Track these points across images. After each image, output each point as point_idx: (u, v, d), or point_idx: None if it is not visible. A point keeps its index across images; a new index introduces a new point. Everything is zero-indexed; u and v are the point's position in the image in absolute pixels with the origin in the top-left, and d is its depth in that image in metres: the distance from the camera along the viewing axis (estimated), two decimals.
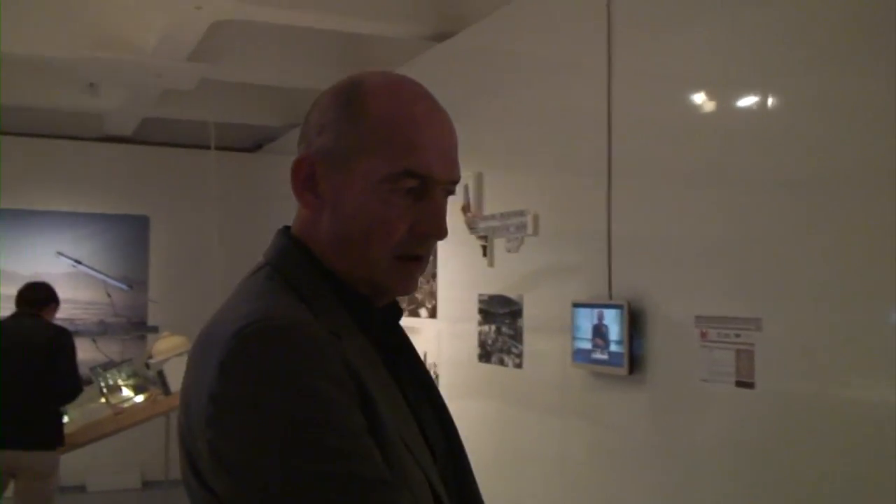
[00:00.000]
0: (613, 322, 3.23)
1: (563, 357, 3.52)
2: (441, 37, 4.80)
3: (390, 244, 1.13)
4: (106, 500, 7.46)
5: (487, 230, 4.18)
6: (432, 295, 4.72)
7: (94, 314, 7.60)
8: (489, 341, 4.13)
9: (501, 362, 4.02)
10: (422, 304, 4.83)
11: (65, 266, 7.50)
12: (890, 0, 2.32)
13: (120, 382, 5.90)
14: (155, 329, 7.34)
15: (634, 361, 3.16)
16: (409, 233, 1.14)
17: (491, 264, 4.16)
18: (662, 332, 3.09)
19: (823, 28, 2.54)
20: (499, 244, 4.11)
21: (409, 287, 1.20)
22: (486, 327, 4.16)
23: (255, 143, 8.22)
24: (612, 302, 3.27)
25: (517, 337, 3.91)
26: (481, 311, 4.20)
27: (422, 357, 4.29)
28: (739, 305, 2.76)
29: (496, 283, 4.11)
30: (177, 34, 5.04)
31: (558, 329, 3.56)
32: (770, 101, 2.70)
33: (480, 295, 4.21)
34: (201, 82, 5.99)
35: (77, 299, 7.45)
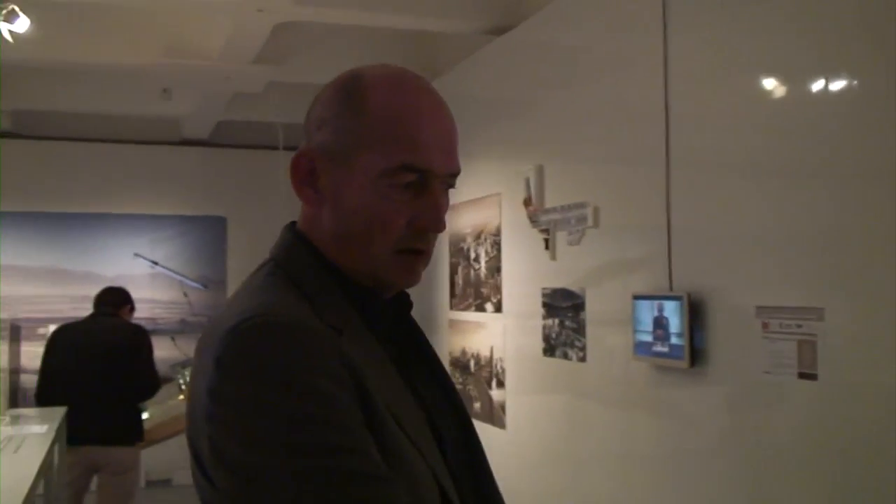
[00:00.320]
0: (673, 314, 3.18)
1: (626, 350, 3.48)
2: (500, 30, 4.78)
3: (390, 239, 1.13)
4: (191, 494, 7.63)
5: (549, 223, 4.16)
6: (497, 289, 4.72)
7: (174, 313, 7.82)
8: (553, 335, 4.11)
9: (565, 356, 4.00)
10: (487, 299, 4.83)
11: (144, 267, 7.73)
12: None
13: None
14: None
15: (695, 354, 3.11)
16: (409, 227, 1.13)
17: (553, 257, 4.14)
18: (723, 324, 3.03)
19: (889, 11, 2.45)
20: (560, 237, 4.09)
21: (412, 280, 1.19)
22: (549, 321, 4.14)
23: None
24: (671, 294, 3.22)
25: (580, 330, 3.89)
26: (545, 304, 4.18)
27: (487, 352, 4.30)
28: (801, 295, 2.69)
29: (559, 277, 4.09)
30: (241, 37, 5.14)
31: (620, 322, 3.52)
32: (832, 88, 2.62)
33: (544, 289, 4.19)
34: (269, 84, 6.10)
35: (157, 299, 7.68)
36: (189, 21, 5.64)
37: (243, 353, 1.01)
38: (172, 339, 7.42)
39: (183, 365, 6.11)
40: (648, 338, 3.33)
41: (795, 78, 2.75)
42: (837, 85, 2.60)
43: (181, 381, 5.92)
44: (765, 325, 2.82)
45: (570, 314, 3.96)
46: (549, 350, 4.14)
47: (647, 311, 3.33)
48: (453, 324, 5.31)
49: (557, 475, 4.11)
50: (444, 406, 1.25)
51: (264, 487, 0.97)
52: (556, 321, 4.08)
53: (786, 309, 2.73)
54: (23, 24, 4.69)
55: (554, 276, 4.12)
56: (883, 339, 2.42)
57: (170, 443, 5.60)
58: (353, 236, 1.14)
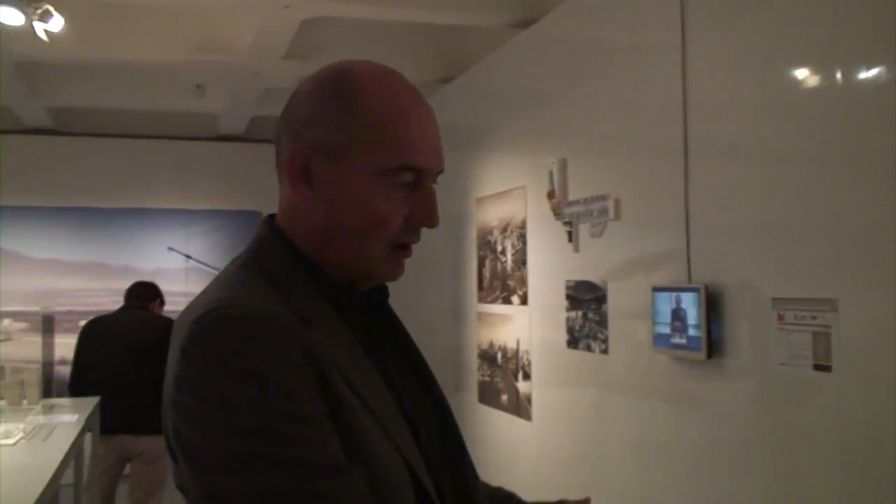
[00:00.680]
0: (691, 306, 3.17)
1: (646, 342, 3.48)
2: (524, 23, 4.79)
3: (388, 235, 1.16)
4: None
5: (572, 216, 4.16)
6: (523, 282, 4.73)
7: None
8: (576, 327, 4.11)
9: (588, 348, 4.01)
10: (514, 292, 4.84)
11: (180, 261, 7.86)
12: None
13: None
14: None
15: (712, 345, 3.10)
16: (405, 223, 1.17)
17: (576, 250, 4.14)
18: (740, 316, 3.02)
19: None
20: (583, 230, 4.09)
21: (399, 273, 1.22)
22: (573, 313, 4.15)
23: None
24: (689, 286, 3.22)
25: (602, 322, 3.89)
26: (568, 297, 4.19)
27: (514, 344, 4.31)
28: (815, 286, 2.67)
29: (582, 269, 4.09)
30: (269, 34, 5.20)
31: (640, 314, 3.52)
32: (848, 79, 2.60)
33: (567, 281, 4.19)
34: (298, 80, 6.13)
35: (192, 292, 7.74)
36: (219, 18, 5.72)
37: (206, 343, 1.04)
38: None
39: None
40: (667, 330, 3.32)
41: (812, 69, 2.73)
42: (854, 76, 2.58)
43: None
44: (780, 317, 2.80)
45: (592, 306, 3.97)
46: (573, 342, 4.15)
47: (665, 303, 3.33)
48: (481, 316, 5.33)
49: (582, 466, 4.12)
50: (421, 396, 1.27)
51: (217, 474, 1.00)
52: (580, 313, 4.08)
53: (800, 300, 2.72)
54: (57, 23, 4.79)
55: (577, 269, 4.13)
56: None
57: None
58: (349, 231, 1.16)
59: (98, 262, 7.67)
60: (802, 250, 2.76)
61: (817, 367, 2.65)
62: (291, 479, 0.99)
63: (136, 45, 5.73)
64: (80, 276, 7.55)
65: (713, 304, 3.11)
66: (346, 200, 1.16)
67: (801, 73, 2.80)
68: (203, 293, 1.15)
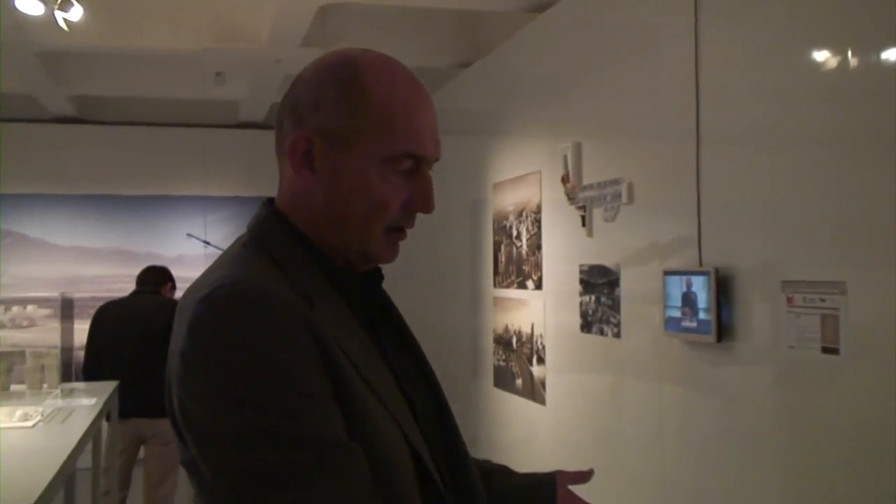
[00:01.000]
0: (701, 289, 3.17)
1: (658, 326, 3.48)
2: (541, 7, 4.77)
3: (386, 219, 1.21)
4: None
5: (586, 200, 4.15)
6: (538, 266, 4.73)
7: None
8: (590, 311, 4.11)
9: (601, 332, 4.01)
10: (529, 276, 4.85)
11: (200, 248, 7.93)
12: None
13: None
14: None
15: (723, 329, 3.10)
16: (402, 208, 1.21)
17: (590, 234, 4.14)
18: (751, 299, 3.01)
19: None
20: (597, 214, 4.08)
21: (394, 255, 1.27)
22: (586, 297, 4.15)
23: None
24: (699, 269, 3.21)
25: (615, 307, 3.89)
26: (582, 281, 4.19)
27: (529, 329, 4.34)
28: (824, 269, 2.66)
29: (595, 254, 4.09)
30: (287, 20, 5.22)
31: (652, 298, 3.52)
32: (859, 63, 2.58)
33: (581, 265, 4.20)
34: None
35: None
36: (239, 6, 5.74)
37: (212, 320, 1.07)
38: None
39: None
40: (678, 313, 3.32)
41: (823, 55, 2.71)
42: (866, 61, 2.55)
43: None
44: (789, 300, 2.79)
45: (605, 290, 3.97)
46: (586, 326, 4.15)
47: (676, 287, 3.33)
48: (497, 301, 5.34)
49: (596, 449, 4.13)
50: (415, 375, 1.31)
51: (222, 448, 1.04)
52: (593, 297, 4.08)
53: (809, 283, 2.71)
54: (77, 12, 4.84)
55: (590, 253, 4.13)
56: None
57: None
58: (350, 215, 1.20)
59: (121, 248, 7.76)
60: (812, 234, 2.74)
61: (825, 350, 2.64)
62: (295, 454, 1.01)
63: (156, 33, 5.78)
64: (104, 263, 7.64)
65: (723, 288, 3.10)
66: (348, 185, 1.19)
67: (812, 59, 2.77)
68: (207, 272, 1.18)
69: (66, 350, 4.67)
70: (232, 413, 1.03)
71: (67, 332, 6.76)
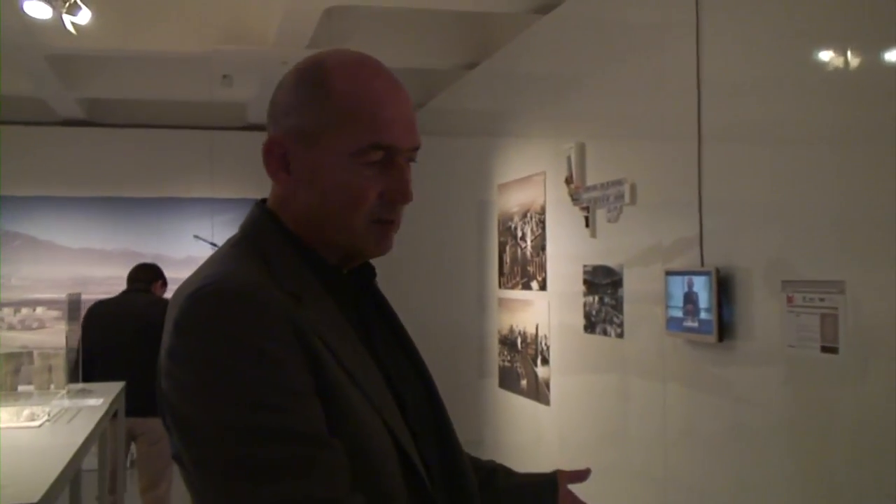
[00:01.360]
0: (703, 289, 3.18)
1: (660, 326, 3.49)
2: (546, 9, 4.79)
3: (363, 211, 1.21)
4: None
5: (589, 201, 4.16)
6: (542, 267, 4.74)
7: None
8: (593, 312, 4.12)
9: (605, 332, 4.02)
10: (533, 277, 4.86)
11: (208, 250, 7.96)
12: None
13: None
14: None
15: (724, 328, 3.10)
16: (379, 199, 1.22)
17: (593, 235, 4.15)
18: (751, 299, 3.02)
19: None
20: (600, 214, 4.09)
21: (385, 247, 1.27)
22: (590, 298, 4.16)
23: None
24: (700, 269, 3.22)
25: (618, 307, 3.90)
26: (585, 281, 4.20)
27: (533, 329, 4.35)
28: (823, 268, 2.67)
29: (598, 254, 4.10)
30: (293, 22, 5.25)
31: (655, 298, 3.53)
32: (861, 60, 2.58)
33: (585, 266, 4.20)
34: None
35: None
36: (245, 8, 5.78)
37: (198, 317, 1.09)
38: None
39: None
40: (680, 313, 3.33)
41: (824, 52, 2.71)
42: (867, 58, 2.56)
43: None
44: (789, 300, 2.79)
45: (609, 291, 3.98)
46: (590, 327, 4.16)
47: (678, 287, 3.33)
48: (502, 302, 5.35)
49: (601, 449, 4.14)
50: (408, 372, 1.32)
51: (205, 442, 1.06)
52: (596, 298, 4.09)
53: (809, 283, 2.71)
54: (85, 15, 4.88)
55: (594, 254, 4.14)
56: None
57: None
58: (330, 212, 1.22)
59: (130, 250, 7.81)
60: (812, 233, 2.75)
61: (825, 349, 2.64)
62: (275, 449, 1.03)
63: (164, 36, 5.81)
64: (112, 265, 7.68)
65: (724, 288, 3.11)
66: (323, 183, 1.21)
67: (813, 58, 2.78)
68: (197, 270, 1.20)
69: (72, 351, 4.71)
70: (214, 408, 1.05)
71: (74, 333, 6.80)
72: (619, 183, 3.88)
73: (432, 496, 1.19)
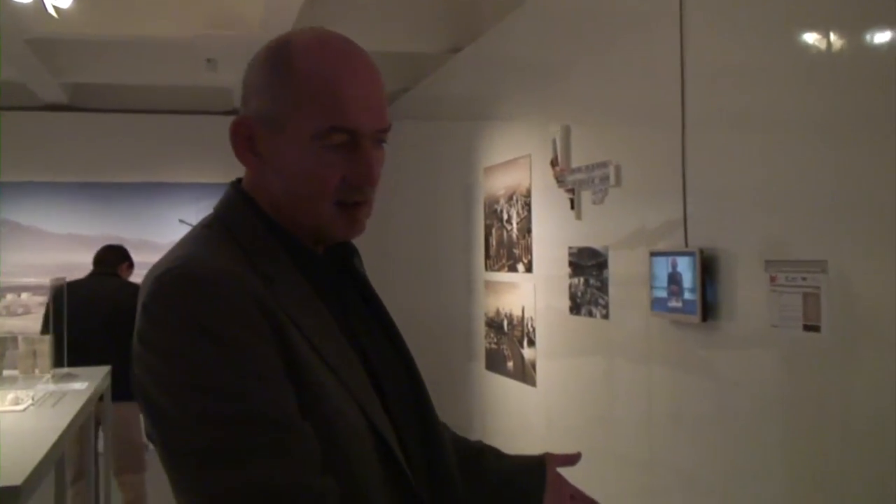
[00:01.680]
0: (686, 270, 3.19)
1: (645, 307, 3.50)
2: None
3: (327, 195, 1.19)
4: None
5: (574, 183, 4.17)
6: (528, 250, 4.75)
7: None
8: (579, 293, 4.14)
9: (590, 314, 4.03)
10: (519, 260, 4.87)
11: None
12: None
13: None
14: None
15: (708, 309, 3.12)
16: (343, 182, 1.19)
17: (578, 217, 4.16)
18: (734, 279, 3.03)
19: None
20: (585, 197, 4.10)
21: (357, 230, 1.25)
22: (575, 280, 4.17)
23: None
24: (685, 250, 3.23)
25: (603, 288, 3.91)
26: (571, 263, 4.21)
27: (519, 311, 4.36)
28: (806, 248, 2.68)
29: (584, 236, 4.11)
30: (278, 6, 5.21)
31: (640, 279, 3.54)
32: (845, 45, 2.58)
33: (570, 248, 4.22)
34: None
35: None
36: None
37: (164, 300, 1.08)
38: None
39: None
40: (664, 294, 3.34)
41: (808, 37, 2.72)
42: (852, 43, 2.56)
43: None
44: (772, 279, 2.81)
45: (594, 272, 3.99)
46: (575, 308, 4.17)
47: (662, 268, 3.35)
48: (488, 284, 5.36)
49: (587, 430, 4.16)
50: (389, 354, 1.30)
51: (173, 426, 1.05)
52: (582, 280, 4.11)
53: (791, 262, 2.73)
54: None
55: (579, 236, 4.15)
56: (884, 290, 2.41)
57: None
58: (296, 195, 1.20)
59: (114, 235, 7.75)
60: (794, 213, 2.76)
61: (807, 328, 2.66)
62: (244, 433, 1.02)
63: (148, 20, 5.78)
64: (97, 250, 7.65)
65: (708, 268, 3.12)
66: (288, 166, 1.19)
67: (796, 42, 2.78)
68: (168, 252, 1.18)
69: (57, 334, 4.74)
70: (181, 392, 1.04)
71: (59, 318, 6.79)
72: (604, 165, 3.89)
73: (410, 478, 1.17)
